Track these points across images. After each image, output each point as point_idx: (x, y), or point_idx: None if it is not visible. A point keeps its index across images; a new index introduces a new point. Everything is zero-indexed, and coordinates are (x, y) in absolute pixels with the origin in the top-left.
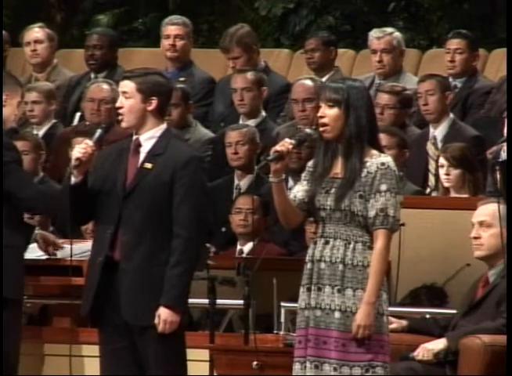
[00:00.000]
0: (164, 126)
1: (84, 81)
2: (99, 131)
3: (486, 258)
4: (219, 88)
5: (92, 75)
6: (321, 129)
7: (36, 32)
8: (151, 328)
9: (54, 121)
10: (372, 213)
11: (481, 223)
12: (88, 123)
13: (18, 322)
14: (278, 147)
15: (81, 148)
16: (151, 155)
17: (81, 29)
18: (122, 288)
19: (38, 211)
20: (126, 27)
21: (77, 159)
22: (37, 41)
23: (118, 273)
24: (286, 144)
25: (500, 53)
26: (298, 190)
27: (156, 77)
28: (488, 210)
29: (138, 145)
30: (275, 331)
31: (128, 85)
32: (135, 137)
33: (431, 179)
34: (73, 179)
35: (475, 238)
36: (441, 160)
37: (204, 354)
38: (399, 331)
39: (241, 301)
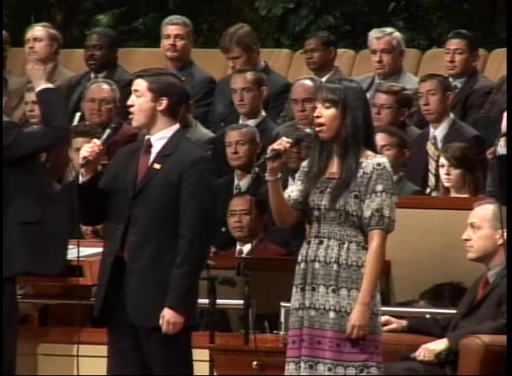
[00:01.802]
0: (175, 127)
1: (84, 81)
2: (107, 131)
3: (478, 259)
4: (219, 88)
5: (92, 75)
6: (317, 129)
7: (37, 30)
8: (156, 329)
9: None
10: (367, 213)
11: (471, 225)
12: (88, 123)
13: (14, 302)
14: (275, 146)
15: (88, 147)
16: (160, 156)
17: (81, 29)
18: (128, 288)
19: (60, 141)
20: (126, 27)
21: (84, 158)
22: (36, 39)
23: (125, 273)
24: (283, 143)
25: (500, 53)
26: (292, 190)
27: (169, 78)
28: (479, 211)
29: (150, 145)
30: (275, 332)
31: (140, 84)
32: (146, 137)
33: (431, 179)
34: (80, 178)
35: (466, 240)
36: (442, 160)
37: (204, 354)
38: (399, 331)
39: (241, 301)
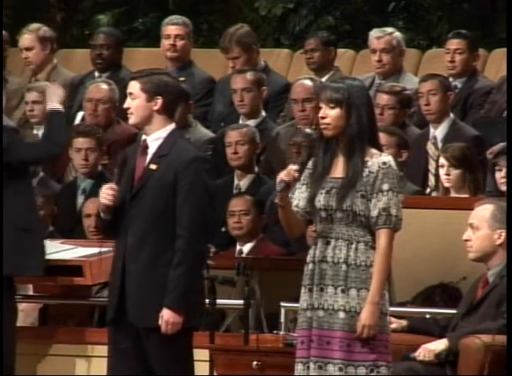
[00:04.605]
0: (171, 127)
1: (88, 81)
2: (117, 172)
3: (478, 260)
4: (219, 88)
5: (96, 74)
6: (322, 127)
7: (25, 39)
8: (156, 330)
9: None
10: (374, 212)
11: (471, 225)
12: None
13: (12, 305)
14: (284, 177)
15: (107, 195)
16: (156, 156)
17: (81, 29)
18: (128, 289)
19: (52, 157)
20: (126, 27)
21: (105, 205)
22: (27, 49)
23: (125, 274)
24: (291, 172)
25: (500, 53)
26: (299, 198)
27: (162, 77)
28: (479, 212)
29: (146, 146)
30: (275, 332)
31: (133, 86)
32: (143, 138)
33: (431, 179)
34: (102, 215)
35: (466, 240)
36: (442, 160)
37: (204, 354)
38: (399, 331)
39: (241, 301)
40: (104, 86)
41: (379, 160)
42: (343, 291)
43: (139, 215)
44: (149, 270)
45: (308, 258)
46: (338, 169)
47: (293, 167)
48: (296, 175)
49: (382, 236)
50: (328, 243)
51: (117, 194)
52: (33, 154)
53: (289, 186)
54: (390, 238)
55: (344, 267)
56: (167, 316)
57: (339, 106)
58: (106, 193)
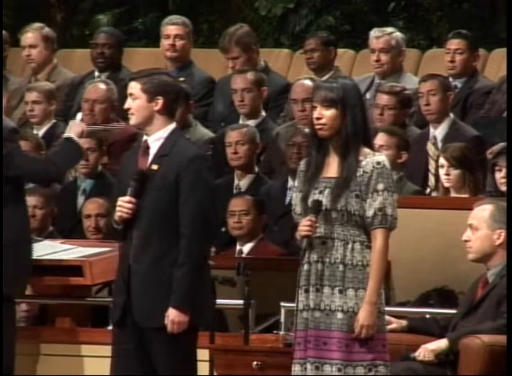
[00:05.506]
0: (171, 126)
1: (88, 81)
2: (133, 184)
3: (478, 260)
4: (219, 88)
5: (96, 74)
6: (317, 127)
7: (28, 37)
8: (162, 329)
9: (54, 120)
10: (370, 212)
11: (470, 226)
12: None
13: (12, 321)
14: (308, 232)
15: (124, 208)
16: (158, 156)
17: (81, 29)
18: (133, 290)
19: (50, 180)
20: (126, 27)
21: (121, 217)
22: (31, 46)
23: (130, 275)
24: (313, 224)
25: (500, 53)
26: (296, 203)
27: (162, 77)
28: (478, 212)
29: (147, 147)
30: (275, 331)
31: (134, 87)
32: (144, 139)
33: (431, 179)
34: (116, 226)
35: (466, 241)
36: (441, 161)
37: (204, 354)
38: (399, 331)
39: (241, 301)
40: (102, 86)
41: (373, 159)
42: (340, 292)
43: (143, 216)
44: (154, 270)
45: (304, 259)
46: (331, 169)
47: (312, 218)
48: (316, 225)
49: (378, 235)
50: (324, 243)
51: (135, 207)
52: (30, 170)
53: (311, 239)
54: (386, 238)
55: (341, 267)
56: (172, 316)
57: (334, 106)
58: (125, 206)
